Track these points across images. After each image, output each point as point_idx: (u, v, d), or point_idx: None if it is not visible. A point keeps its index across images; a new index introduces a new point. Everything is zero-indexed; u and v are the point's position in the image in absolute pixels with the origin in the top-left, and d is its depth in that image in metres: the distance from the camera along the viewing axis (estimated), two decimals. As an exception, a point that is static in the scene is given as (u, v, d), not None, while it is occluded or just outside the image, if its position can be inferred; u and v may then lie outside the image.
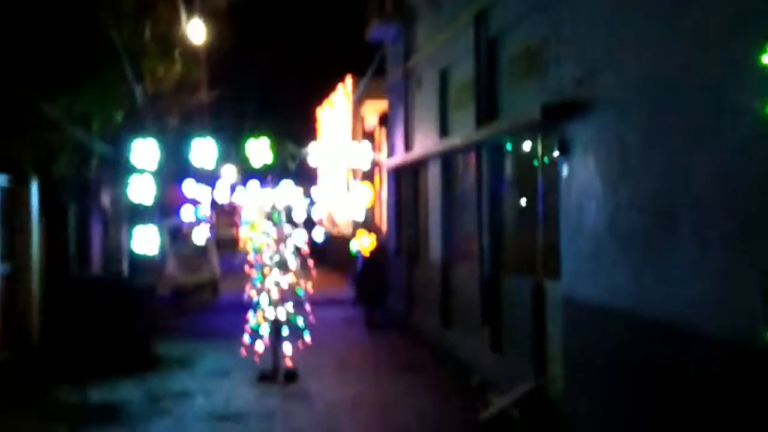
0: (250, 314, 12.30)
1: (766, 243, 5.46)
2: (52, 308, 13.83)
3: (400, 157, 17.23)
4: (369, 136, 28.84)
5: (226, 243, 33.50)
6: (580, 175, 8.41)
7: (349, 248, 21.87)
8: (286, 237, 12.58)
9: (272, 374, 12.09)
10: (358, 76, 29.88)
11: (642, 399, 7.11)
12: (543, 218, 9.94)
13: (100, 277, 16.74)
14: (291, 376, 12.04)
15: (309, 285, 12.66)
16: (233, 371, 12.70)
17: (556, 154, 9.01)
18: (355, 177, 29.67)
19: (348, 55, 29.99)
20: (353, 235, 26.31)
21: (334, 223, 34.39)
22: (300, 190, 13.98)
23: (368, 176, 28.16)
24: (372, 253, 20.58)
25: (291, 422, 9.86)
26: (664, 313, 6.64)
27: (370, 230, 22.85)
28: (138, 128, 17.55)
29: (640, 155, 7.15)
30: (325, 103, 35.66)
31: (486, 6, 11.53)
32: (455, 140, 12.92)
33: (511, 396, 9.58)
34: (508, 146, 11.17)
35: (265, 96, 32.11)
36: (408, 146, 16.63)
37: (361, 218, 26.36)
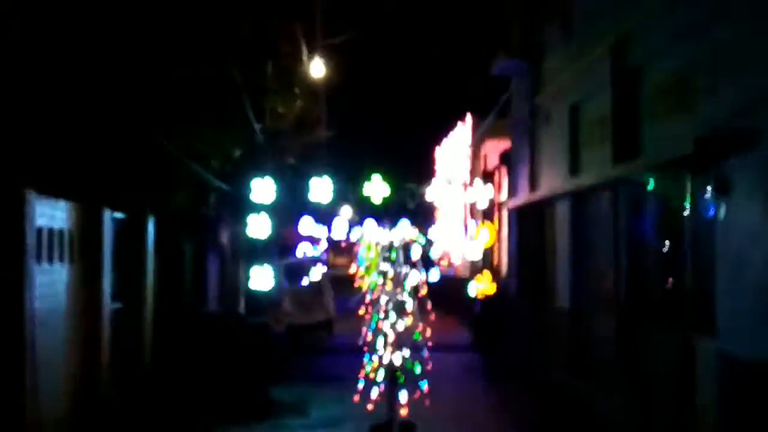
0: (365, 359, 11.59)
1: None
2: (164, 346, 13.54)
3: (524, 196, 16.35)
4: (488, 175, 27.99)
5: (341, 282, 33.19)
6: (742, 217, 7.39)
7: (465, 291, 20.97)
8: (404, 277, 11.85)
9: (387, 426, 11.30)
10: (478, 114, 29.27)
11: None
12: (692, 266, 8.90)
13: (215, 313, 16.49)
14: (408, 429, 11.23)
15: (427, 330, 11.86)
16: (346, 420, 12.01)
17: (710, 193, 8.01)
18: (473, 217, 28.85)
19: (468, 93, 29.38)
20: (470, 276, 25.46)
21: (450, 264, 33.60)
22: (416, 230, 13.29)
23: (487, 216, 27.31)
24: (491, 296, 19.67)
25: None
26: None
27: (489, 272, 21.98)
28: (256, 165, 17.35)
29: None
30: (444, 142, 35.13)
31: (625, 35, 10.65)
32: (588, 179, 12.01)
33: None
34: (650, 185, 10.18)
35: (384, 135, 31.83)
36: (533, 185, 15.75)
37: (478, 259, 25.51)
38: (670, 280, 9.64)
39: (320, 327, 23.25)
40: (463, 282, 25.06)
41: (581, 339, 12.70)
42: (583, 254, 12.84)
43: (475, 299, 20.46)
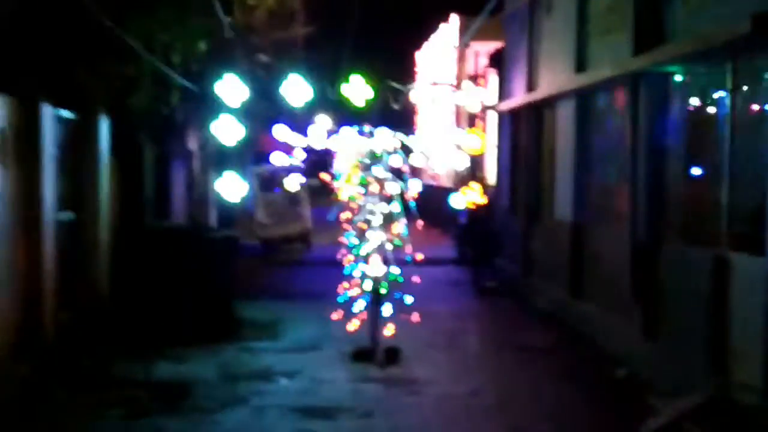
0: (346, 274, 10.27)
1: None
2: (122, 263, 12.13)
3: (520, 98, 14.88)
4: (474, 80, 26.38)
5: (318, 192, 31.77)
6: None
7: (448, 202, 19.57)
8: (391, 188, 10.47)
9: (370, 351, 10.08)
10: (463, 13, 27.46)
11: None
12: (730, 171, 7.56)
13: (178, 227, 15.00)
14: (392, 354, 10.01)
15: (412, 244, 10.51)
16: (324, 344, 10.78)
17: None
18: (459, 124, 27.35)
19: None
20: (454, 187, 24.13)
21: (432, 174, 32.24)
22: (400, 136, 11.90)
23: (471, 123, 25.85)
24: (480, 208, 18.39)
25: (397, 425, 7.80)
26: None
27: (477, 182, 20.65)
28: (225, 63, 15.75)
29: None
30: (425, 45, 33.32)
31: None
32: (598, 74, 10.54)
33: (684, 403, 7.32)
34: (678, 77, 8.73)
35: (363, 36, 29.92)
36: (531, 85, 14.25)
37: (464, 169, 24.10)
38: (701, 188, 8.30)
39: (296, 239, 21.99)
40: (445, 192, 23.77)
41: (585, 256, 11.43)
42: (589, 161, 11.45)
43: (459, 211, 19.21)
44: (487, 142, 21.93)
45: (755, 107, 7.15)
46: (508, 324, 12.25)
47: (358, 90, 14.81)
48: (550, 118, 13.30)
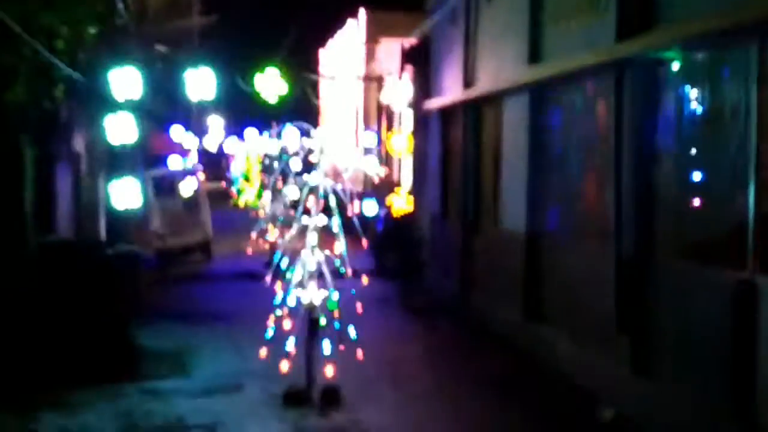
0: (278, 298, 8.51)
1: None
2: (-2, 286, 10.15)
3: (453, 95, 13.47)
4: (380, 79, 24.98)
5: (216, 197, 29.83)
6: None
7: (360, 208, 18.02)
8: (325, 192, 8.85)
9: (305, 392, 8.44)
10: (371, 9, 26.05)
11: None
12: (756, 176, 6.28)
13: (67, 242, 12.97)
14: (331, 395, 8.40)
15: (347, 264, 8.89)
16: (246, 382, 9.08)
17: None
18: (366, 124, 25.86)
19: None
20: (364, 192, 22.72)
21: (338, 177, 30.74)
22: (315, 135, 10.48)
23: (389, 124, 24.48)
24: (402, 215, 16.97)
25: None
26: None
27: (393, 187, 19.27)
28: (118, 53, 13.90)
29: None
30: (330, 43, 31.75)
31: None
32: (562, 65, 9.20)
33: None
34: (675, 65, 7.40)
35: (266, 30, 28.17)
36: (467, 81, 12.84)
37: (376, 172, 22.75)
38: (713, 196, 6.99)
39: (196, 249, 20.06)
40: (355, 197, 22.31)
41: (544, 272, 10.05)
42: (548, 164, 10.09)
43: (374, 218, 17.77)
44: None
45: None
46: (456, 350, 10.76)
47: (271, 83, 13.24)
48: (493, 116, 11.92)
